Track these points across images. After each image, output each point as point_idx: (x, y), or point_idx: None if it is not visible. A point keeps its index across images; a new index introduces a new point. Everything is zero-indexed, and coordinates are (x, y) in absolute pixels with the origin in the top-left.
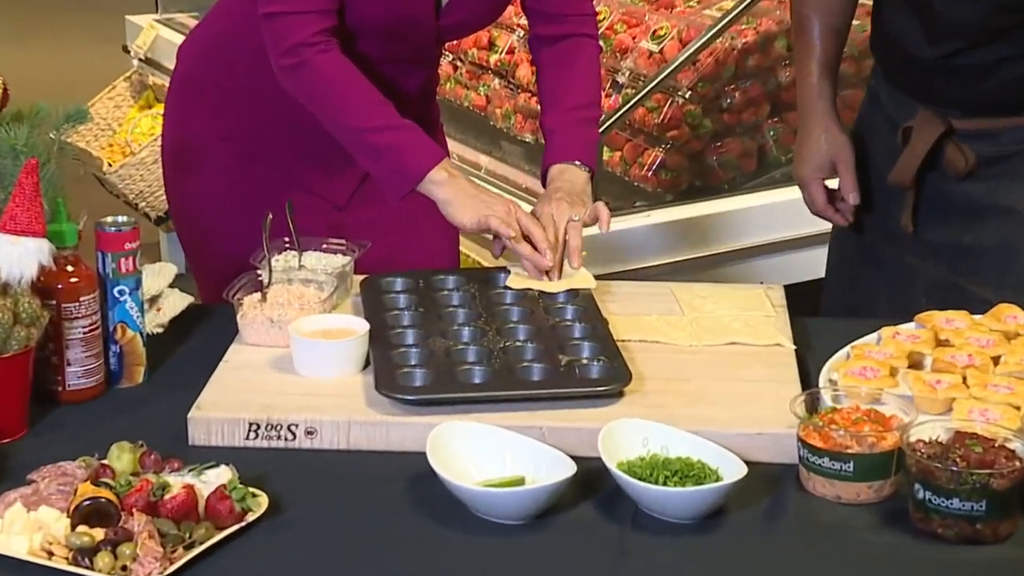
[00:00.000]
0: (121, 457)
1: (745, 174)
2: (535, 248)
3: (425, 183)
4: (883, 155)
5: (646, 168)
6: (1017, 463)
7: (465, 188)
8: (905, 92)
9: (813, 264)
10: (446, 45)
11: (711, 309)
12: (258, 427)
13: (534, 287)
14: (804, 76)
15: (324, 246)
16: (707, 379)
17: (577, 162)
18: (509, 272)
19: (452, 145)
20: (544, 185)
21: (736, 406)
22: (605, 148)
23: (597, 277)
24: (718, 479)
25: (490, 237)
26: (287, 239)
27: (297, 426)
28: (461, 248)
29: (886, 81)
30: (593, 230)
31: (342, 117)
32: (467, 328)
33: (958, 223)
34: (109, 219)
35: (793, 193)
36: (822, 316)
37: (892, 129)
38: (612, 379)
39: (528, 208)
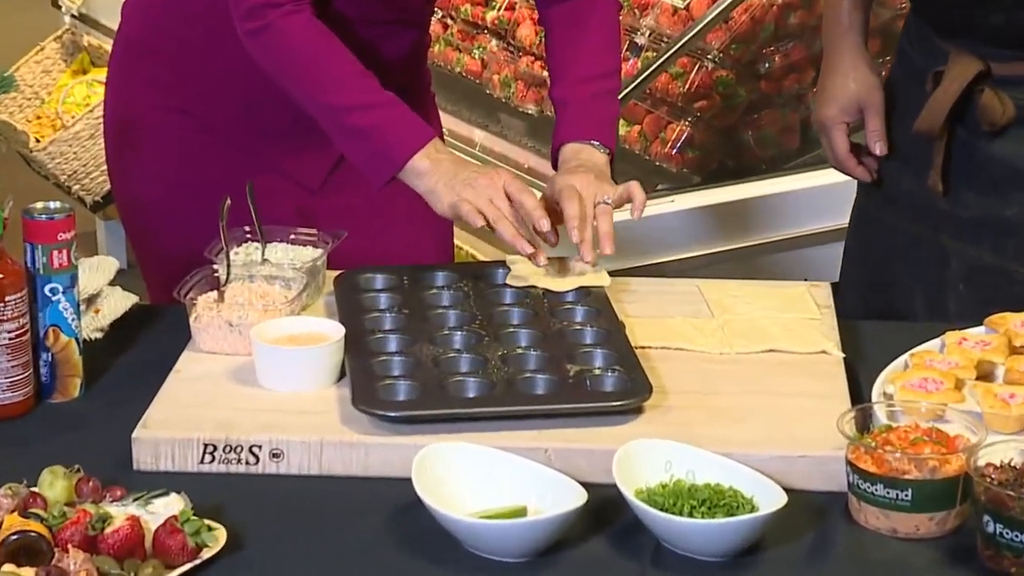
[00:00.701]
0: (54, 484)
1: (786, 152)
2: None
3: (406, 172)
4: (912, 115)
5: (669, 145)
6: None
7: (447, 173)
8: (937, 30)
9: None
10: (437, 1)
11: (745, 310)
12: (215, 449)
13: (539, 285)
14: (833, 5)
15: (292, 236)
16: (740, 393)
17: (594, 142)
18: (508, 268)
19: (441, 118)
20: (555, 168)
21: (774, 424)
22: (622, 121)
23: (612, 273)
24: (753, 509)
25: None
26: (248, 228)
27: (260, 448)
28: (456, 240)
29: (916, 17)
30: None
31: (313, 92)
32: (459, 333)
33: (998, 193)
34: (39, 205)
35: (841, 175)
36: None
37: (921, 85)
38: (629, 392)
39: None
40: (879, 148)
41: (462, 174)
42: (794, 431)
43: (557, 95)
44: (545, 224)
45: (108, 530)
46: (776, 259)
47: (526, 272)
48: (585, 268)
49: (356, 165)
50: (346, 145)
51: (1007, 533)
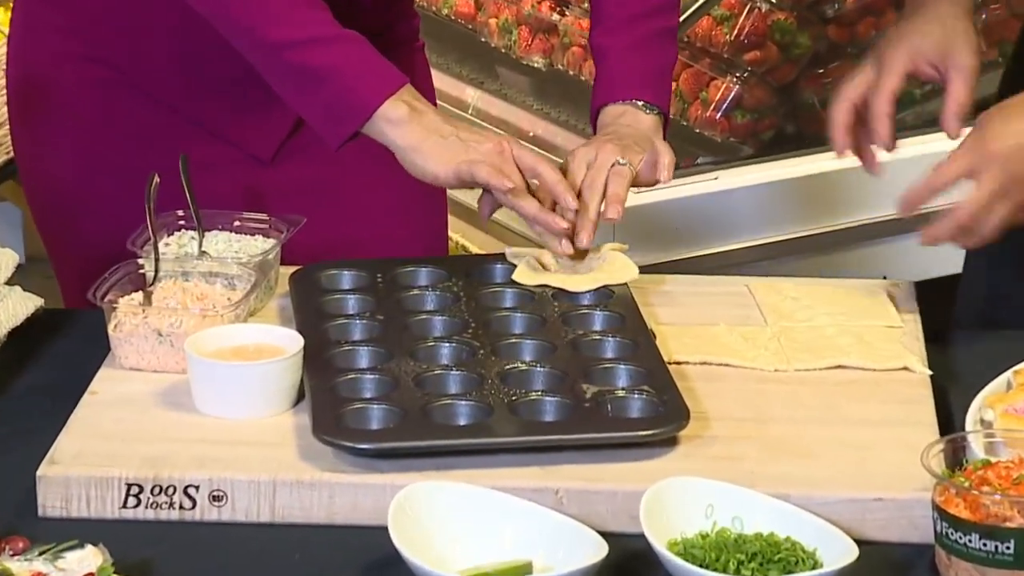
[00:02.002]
0: None
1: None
2: (548, 190)
3: (376, 122)
4: None
5: (713, 107)
6: None
7: (435, 125)
8: None
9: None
10: None
11: (807, 316)
12: (140, 490)
13: (549, 283)
14: None
15: (237, 223)
16: (800, 420)
17: (640, 102)
18: (510, 262)
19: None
20: (595, 132)
21: (843, 459)
22: None
23: (642, 269)
24: (816, 565)
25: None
26: (182, 212)
27: (198, 489)
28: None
29: None
30: (636, 200)
31: (252, 26)
32: (448, 344)
33: None
34: None
35: (935, 144)
36: (957, 321)
37: None
38: (661, 419)
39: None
40: (952, 126)
41: (462, 132)
42: (868, 468)
43: (596, 42)
44: (572, 201)
45: None
46: (847, 252)
47: (532, 268)
48: (607, 260)
49: (307, 119)
50: (293, 93)
51: None
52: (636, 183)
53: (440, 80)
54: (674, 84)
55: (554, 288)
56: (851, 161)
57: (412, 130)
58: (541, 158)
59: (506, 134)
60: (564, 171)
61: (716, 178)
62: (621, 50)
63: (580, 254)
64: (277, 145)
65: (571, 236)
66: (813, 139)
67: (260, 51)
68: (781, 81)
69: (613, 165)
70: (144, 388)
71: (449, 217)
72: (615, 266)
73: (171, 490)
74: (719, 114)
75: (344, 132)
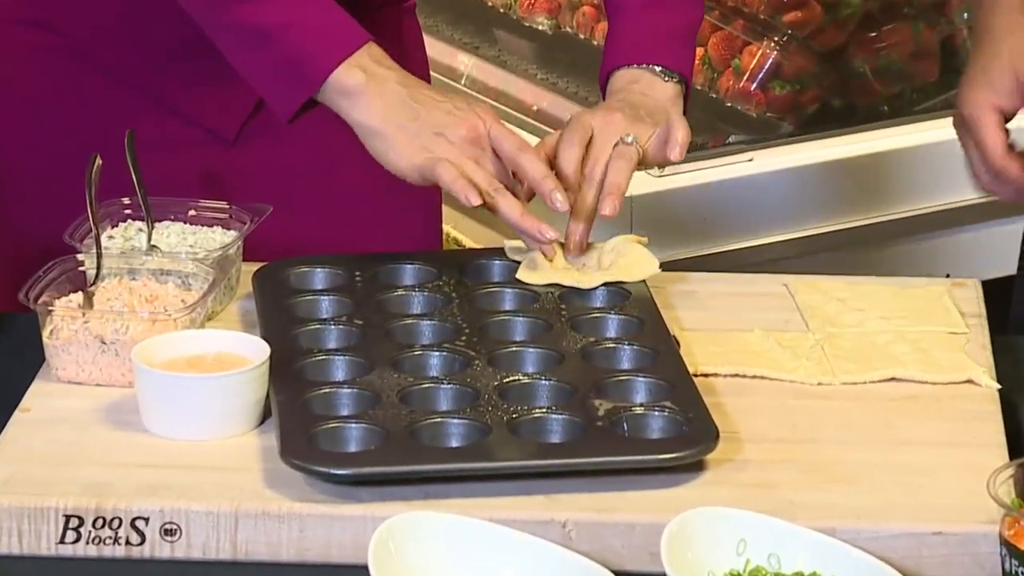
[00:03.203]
0: None
1: (920, 87)
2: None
3: (327, 91)
4: None
5: (747, 77)
6: None
7: (397, 99)
8: None
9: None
10: None
11: (856, 321)
12: (81, 523)
13: (557, 281)
14: None
15: (193, 213)
16: (848, 441)
17: (657, 67)
18: (511, 258)
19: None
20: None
21: (897, 486)
22: None
23: (665, 265)
24: None
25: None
26: (128, 200)
27: (147, 521)
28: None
29: None
30: (657, 185)
31: None
32: (438, 353)
33: None
34: None
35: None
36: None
37: None
38: (685, 440)
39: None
40: None
41: (425, 111)
42: (925, 497)
43: None
44: (561, 202)
45: None
46: (903, 246)
47: (537, 264)
48: (624, 255)
49: (256, 87)
50: (239, 54)
51: None
52: (643, 163)
53: (429, 45)
54: (701, 49)
55: (562, 288)
56: (906, 140)
57: (370, 104)
58: (524, 144)
59: (485, 107)
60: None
61: (751, 159)
62: (638, 7)
63: (589, 249)
64: (241, 122)
65: (551, 245)
66: (863, 114)
67: (201, 6)
68: (827, 46)
69: (617, 144)
70: (84, 404)
71: (454, 212)
72: (632, 261)
73: (116, 523)
74: (754, 85)
75: (292, 102)
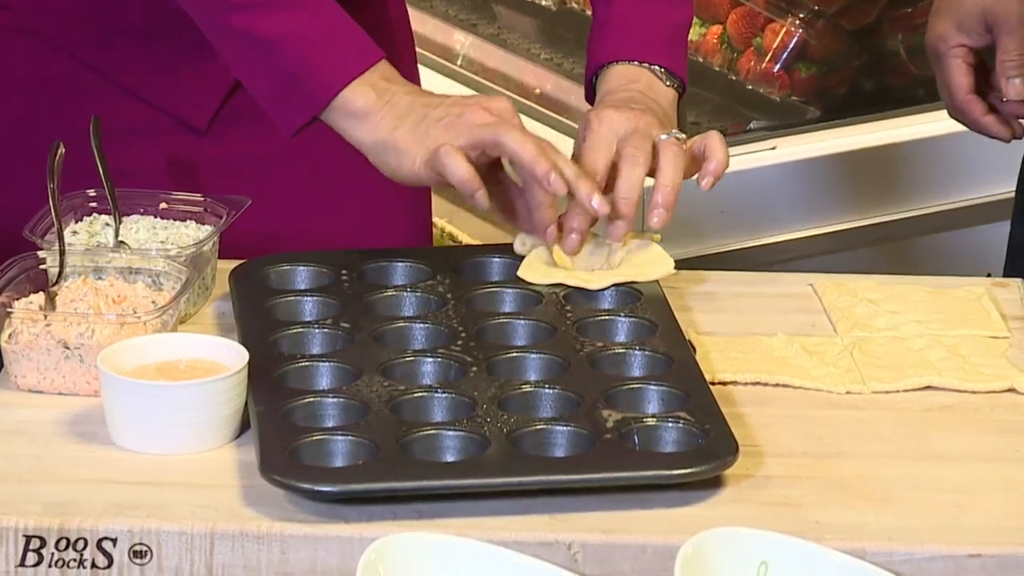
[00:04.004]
0: None
1: None
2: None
3: (333, 112)
4: None
5: (769, 57)
6: None
7: (401, 108)
8: None
9: None
10: None
11: (888, 324)
12: (42, 544)
13: (563, 281)
14: None
15: (164, 206)
16: (879, 455)
17: (659, 67)
18: (514, 255)
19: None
20: (590, 100)
21: (932, 505)
22: (694, 20)
23: (680, 263)
24: None
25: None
26: (94, 192)
27: (115, 542)
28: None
29: None
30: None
31: None
32: (432, 360)
33: None
34: None
35: None
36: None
37: None
38: (701, 455)
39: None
40: (1015, 87)
41: (432, 110)
42: (963, 516)
43: None
44: (587, 192)
45: None
46: (940, 242)
47: (543, 262)
48: (635, 252)
49: (255, 96)
50: (239, 64)
51: None
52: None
53: (421, 23)
54: (720, 27)
55: (567, 288)
56: (944, 126)
57: (380, 122)
58: (531, 139)
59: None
60: (575, 154)
61: (773, 148)
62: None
63: (598, 245)
64: (215, 108)
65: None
66: (897, 97)
67: (201, 9)
68: (857, 23)
69: (660, 139)
70: (46, 415)
71: (434, 198)
72: (645, 260)
73: (81, 544)
74: (777, 66)
75: (296, 120)
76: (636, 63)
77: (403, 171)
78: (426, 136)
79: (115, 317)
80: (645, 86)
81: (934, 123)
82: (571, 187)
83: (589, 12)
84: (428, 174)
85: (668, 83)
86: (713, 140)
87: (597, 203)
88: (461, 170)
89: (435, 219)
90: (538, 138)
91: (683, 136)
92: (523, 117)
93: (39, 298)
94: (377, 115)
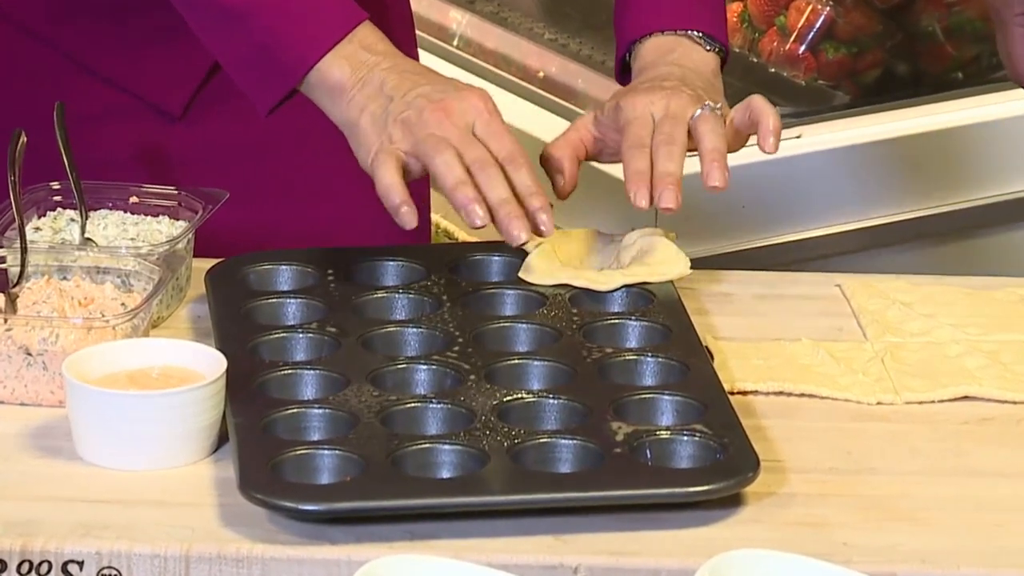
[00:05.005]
0: None
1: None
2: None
3: (310, 86)
4: None
5: (794, 38)
6: None
7: (374, 89)
8: None
9: None
10: None
11: (922, 328)
12: (3, 567)
13: (569, 282)
14: None
15: (135, 200)
16: (912, 472)
17: (697, 33)
18: (517, 253)
19: None
20: (622, 80)
21: (969, 525)
22: None
23: (696, 262)
24: None
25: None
26: (58, 185)
27: (82, 566)
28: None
29: None
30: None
31: None
32: (426, 367)
33: None
34: None
35: None
36: None
37: None
38: (719, 470)
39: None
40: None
41: (399, 98)
42: (1003, 537)
43: None
44: (542, 214)
45: None
46: (978, 240)
47: (547, 261)
48: (648, 251)
49: (230, 73)
50: (209, 35)
51: None
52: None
53: (414, 0)
54: (740, 5)
55: (573, 289)
56: (983, 113)
57: (351, 100)
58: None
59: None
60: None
61: (799, 136)
62: None
63: (608, 243)
64: (190, 93)
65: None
66: (932, 82)
67: None
68: (889, 2)
69: (696, 114)
70: (7, 427)
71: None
72: (658, 259)
73: (45, 567)
74: (803, 47)
75: (271, 97)
76: (671, 32)
77: (360, 162)
78: (383, 129)
79: (81, 321)
80: (682, 55)
81: (973, 109)
82: (497, 221)
83: None
84: (370, 171)
85: (708, 47)
86: (756, 102)
87: (520, 239)
88: (386, 181)
89: (432, 215)
90: (511, 144)
91: (719, 105)
92: (525, 103)
93: None
94: (349, 91)
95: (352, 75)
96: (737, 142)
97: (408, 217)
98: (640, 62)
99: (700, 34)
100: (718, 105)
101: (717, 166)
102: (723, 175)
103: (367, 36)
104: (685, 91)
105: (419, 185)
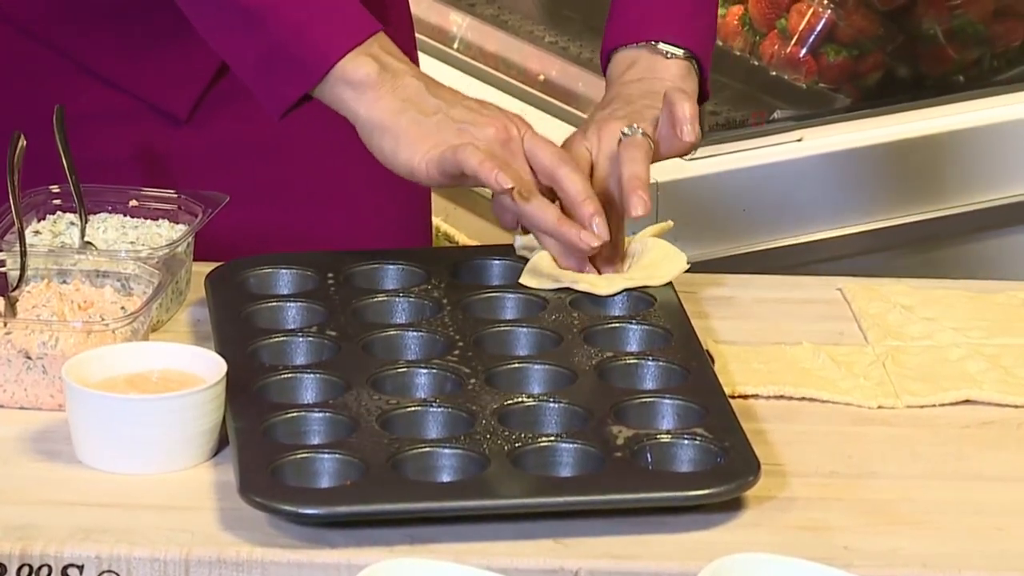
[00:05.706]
0: None
1: (1003, 52)
2: (570, 209)
3: (332, 83)
4: None
5: (795, 40)
6: None
7: (413, 93)
8: None
9: None
10: None
11: (924, 332)
12: (3, 571)
13: (571, 285)
14: None
15: (135, 203)
16: (913, 476)
17: (660, 43)
18: (518, 256)
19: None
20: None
21: (972, 529)
22: None
23: (696, 265)
24: None
25: (484, 194)
26: (58, 188)
27: (81, 570)
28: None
29: None
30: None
31: None
32: (426, 371)
33: None
34: None
35: None
36: None
37: None
38: (720, 474)
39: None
40: None
41: (447, 106)
42: (1005, 542)
43: None
44: (603, 229)
45: None
46: (980, 243)
47: (547, 265)
48: (645, 252)
49: (241, 76)
50: (221, 37)
51: None
52: (657, 157)
53: (414, 2)
54: (741, 8)
55: (574, 293)
56: (985, 116)
57: (381, 98)
58: (564, 156)
59: (518, 115)
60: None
61: (799, 139)
62: None
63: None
64: (196, 96)
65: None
66: (934, 85)
67: None
68: (890, 4)
69: (621, 137)
70: (6, 431)
71: (432, 196)
72: (654, 259)
73: (44, 571)
74: (804, 50)
75: (288, 97)
76: (634, 45)
77: (399, 160)
78: (437, 134)
79: (81, 325)
80: (643, 69)
81: (974, 112)
82: (574, 207)
83: None
84: (431, 173)
85: (669, 56)
86: (669, 95)
87: (596, 228)
88: (475, 161)
89: (433, 218)
90: (558, 149)
91: (635, 130)
92: (526, 107)
93: None
94: (378, 90)
95: (380, 74)
96: (675, 144)
97: (504, 180)
98: (611, 75)
99: (660, 43)
100: (634, 129)
101: (636, 196)
102: (644, 204)
103: (387, 44)
104: (642, 111)
105: (419, 186)
